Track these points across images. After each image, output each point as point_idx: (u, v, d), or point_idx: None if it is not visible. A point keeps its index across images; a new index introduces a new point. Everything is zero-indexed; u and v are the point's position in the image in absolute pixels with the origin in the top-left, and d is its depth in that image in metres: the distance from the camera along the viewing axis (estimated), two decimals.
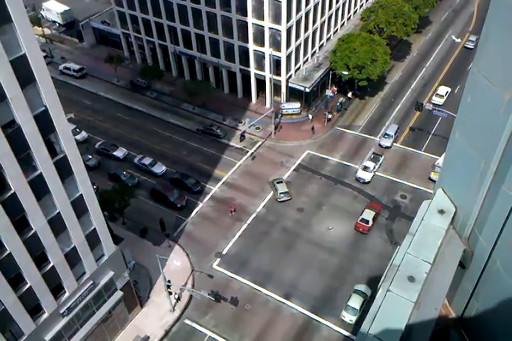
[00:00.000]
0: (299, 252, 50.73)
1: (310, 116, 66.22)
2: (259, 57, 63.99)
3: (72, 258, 34.26)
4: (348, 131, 65.24)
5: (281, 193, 54.99)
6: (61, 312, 35.42)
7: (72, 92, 71.60)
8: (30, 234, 30.06)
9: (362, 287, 45.73)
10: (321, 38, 70.28)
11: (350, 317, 43.98)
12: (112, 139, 64.15)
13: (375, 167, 57.60)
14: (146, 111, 68.75)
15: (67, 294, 35.34)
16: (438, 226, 12.78)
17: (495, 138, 10.84)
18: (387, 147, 61.43)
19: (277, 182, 55.98)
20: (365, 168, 57.36)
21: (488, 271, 12.54)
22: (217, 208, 55.58)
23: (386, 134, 62.31)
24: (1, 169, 26.60)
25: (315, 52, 69.97)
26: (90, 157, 59.94)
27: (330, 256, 50.31)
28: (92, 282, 37.01)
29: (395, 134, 62.18)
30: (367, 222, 51.28)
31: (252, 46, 63.08)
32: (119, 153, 61.49)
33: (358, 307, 44.05)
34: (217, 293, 45.59)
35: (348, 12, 76.22)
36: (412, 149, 62.12)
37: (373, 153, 59.57)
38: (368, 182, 57.01)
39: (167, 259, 48.42)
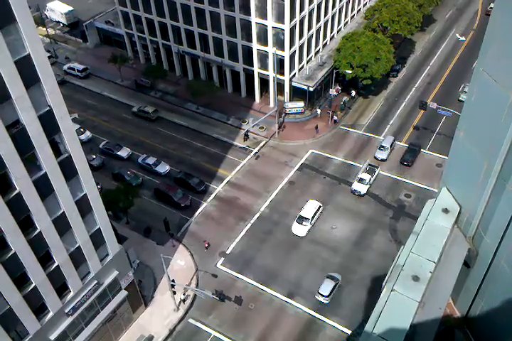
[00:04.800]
0: (303, 251, 50.70)
1: (319, 111, 66.20)
2: (263, 57, 63.95)
3: (77, 257, 34.34)
4: (351, 130, 65.12)
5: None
6: (66, 311, 35.52)
7: (77, 92, 71.84)
8: (34, 234, 30.15)
9: None
10: (324, 37, 70.15)
11: None
12: (116, 139, 64.29)
13: (370, 179, 55.53)
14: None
15: (71, 293, 35.45)
16: (442, 225, 12.75)
17: (499, 136, 10.80)
18: (382, 160, 59.20)
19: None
20: (361, 180, 55.29)
21: (493, 270, 12.51)
22: (221, 208, 55.61)
23: (382, 146, 59.83)
24: (6, 169, 26.70)
25: (318, 51, 69.86)
26: (94, 157, 60.10)
27: (334, 256, 50.26)
28: (96, 281, 37.10)
29: (390, 147, 59.90)
30: None
31: (255, 45, 63.05)
32: (123, 152, 61.61)
33: None
34: (221, 292, 45.59)
35: (352, 11, 76.03)
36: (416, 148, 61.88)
37: (369, 164, 57.51)
38: (364, 194, 55.31)
39: (171, 259, 48.47)
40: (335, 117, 64.93)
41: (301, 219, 52.25)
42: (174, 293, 44.58)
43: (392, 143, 60.76)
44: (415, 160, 59.45)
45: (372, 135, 64.04)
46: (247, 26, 61.46)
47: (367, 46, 62.49)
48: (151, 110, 66.88)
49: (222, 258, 50.50)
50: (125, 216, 52.75)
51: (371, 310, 11.51)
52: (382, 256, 48.79)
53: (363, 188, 55.20)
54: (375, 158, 59.66)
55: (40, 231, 30.37)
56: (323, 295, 46.05)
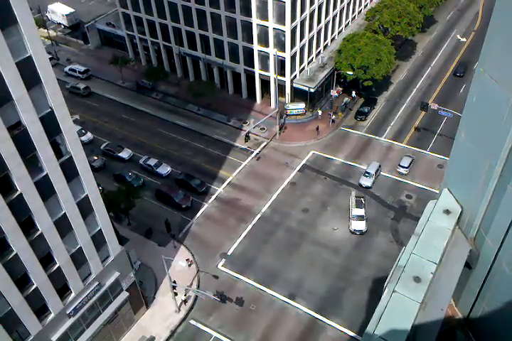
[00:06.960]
0: (304, 252, 50.66)
1: (320, 112, 66.17)
2: (264, 58, 63.99)
3: (78, 259, 34.37)
4: (352, 131, 65.11)
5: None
6: (67, 312, 35.54)
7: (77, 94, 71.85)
8: (36, 235, 30.18)
9: None
10: (325, 38, 70.18)
11: None
12: (118, 140, 64.34)
13: (365, 213, 52.17)
14: (151, 113, 68.92)
15: (73, 295, 35.46)
16: (444, 226, 12.74)
17: (500, 137, 10.80)
18: (367, 187, 56.14)
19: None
20: (357, 217, 51.84)
21: (494, 272, 12.49)
22: (222, 209, 55.61)
23: (366, 173, 56.69)
24: (7, 170, 26.74)
25: (319, 52, 69.90)
26: (96, 158, 60.14)
27: (335, 257, 50.22)
28: (97, 283, 37.11)
29: (375, 173, 56.76)
30: None
31: (256, 47, 63.09)
32: (125, 154, 61.65)
33: None
34: (222, 293, 45.58)
35: (353, 12, 76.10)
36: (417, 149, 61.89)
37: (355, 197, 53.66)
38: (366, 231, 51.73)
39: (172, 260, 48.48)
40: (333, 117, 64.76)
41: None
42: (175, 294, 44.55)
43: (378, 169, 57.41)
44: (466, 72, 71.64)
45: (373, 136, 64.03)
46: (248, 27, 61.53)
47: (368, 47, 62.52)
48: (83, 87, 72.00)
49: (223, 260, 50.48)
50: (126, 217, 52.76)
51: (372, 311, 11.50)
52: (384, 257, 48.74)
53: (362, 225, 51.56)
54: (360, 184, 56.54)
55: (41, 233, 30.40)
56: (403, 167, 56.86)
